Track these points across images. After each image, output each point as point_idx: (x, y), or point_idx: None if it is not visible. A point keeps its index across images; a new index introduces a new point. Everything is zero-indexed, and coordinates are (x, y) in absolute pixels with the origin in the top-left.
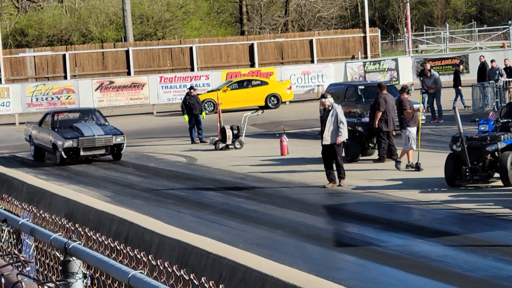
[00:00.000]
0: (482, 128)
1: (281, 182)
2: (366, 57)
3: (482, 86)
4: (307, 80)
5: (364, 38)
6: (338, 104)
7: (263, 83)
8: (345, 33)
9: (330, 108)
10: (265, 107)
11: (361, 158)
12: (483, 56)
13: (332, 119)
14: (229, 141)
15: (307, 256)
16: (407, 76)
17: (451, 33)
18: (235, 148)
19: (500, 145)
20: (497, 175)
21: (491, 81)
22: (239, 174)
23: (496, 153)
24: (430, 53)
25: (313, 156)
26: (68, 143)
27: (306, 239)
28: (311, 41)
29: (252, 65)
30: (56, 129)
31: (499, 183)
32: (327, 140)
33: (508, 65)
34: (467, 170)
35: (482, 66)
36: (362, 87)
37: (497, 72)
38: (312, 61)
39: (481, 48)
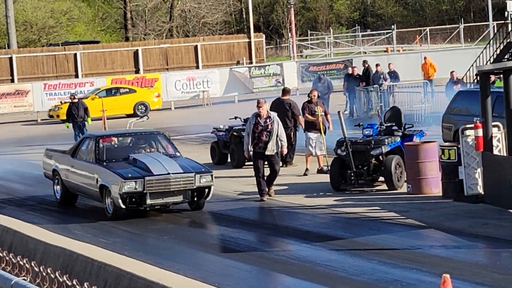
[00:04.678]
0: (366, 132)
1: None
2: (251, 63)
3: (366, 90)
4: (192, 86)
5: (249, 43)
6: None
7: (131, 91)
8: (230, 39)
9: (270, 115)
10: (134, 115)
11: (247, 163)
12: (367, 61)
13: (275, 126)
14: None
15: (194, 262)
16: (292, 81)
17: (335, 38)
18: None
19: (384, 149)
20: (382, 178)
21: (375, 85)
22: None
23: (380, 157)
24: (314, 58)
25: (199, 162)
26: (130, 186)
27: (193, 245)
28: (196, 47)
29: (137, 71)
30: (105, 163)
31: (384, 186)
32: (270, 150)
33: (392, 69)
34: (352, 174)
35: (366, 71)
36: None
37: (381, 76)
38: (197, 67)
39: (365, 52)
